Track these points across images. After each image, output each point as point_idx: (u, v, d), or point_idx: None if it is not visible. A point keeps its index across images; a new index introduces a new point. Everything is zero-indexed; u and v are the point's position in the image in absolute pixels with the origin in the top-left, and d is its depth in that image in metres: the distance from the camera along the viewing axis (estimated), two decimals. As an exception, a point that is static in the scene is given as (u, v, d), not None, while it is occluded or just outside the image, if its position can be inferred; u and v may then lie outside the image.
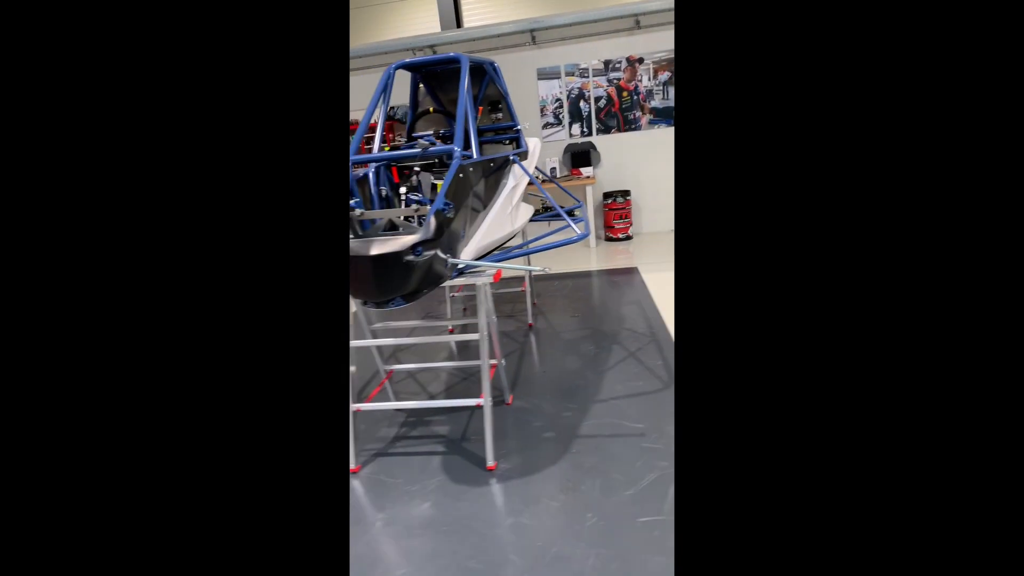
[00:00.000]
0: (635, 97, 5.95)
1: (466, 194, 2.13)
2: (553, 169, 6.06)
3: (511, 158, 2.77)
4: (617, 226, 6.00)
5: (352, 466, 2.23)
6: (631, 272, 4.80)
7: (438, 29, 7.02)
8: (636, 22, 5.69)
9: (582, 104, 6.05)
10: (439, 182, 2.36)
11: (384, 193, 2.32)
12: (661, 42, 5.80)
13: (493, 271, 2.17)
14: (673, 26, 5.77)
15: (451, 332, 3.58)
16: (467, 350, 3.43)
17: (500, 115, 3.30)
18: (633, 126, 6.03)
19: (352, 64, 6.44)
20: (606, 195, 6.01)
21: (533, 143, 3.38)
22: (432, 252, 1.82)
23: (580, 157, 5.99)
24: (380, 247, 1.73)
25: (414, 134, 3.03)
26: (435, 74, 3.12)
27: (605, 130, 6.08)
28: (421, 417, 2.64)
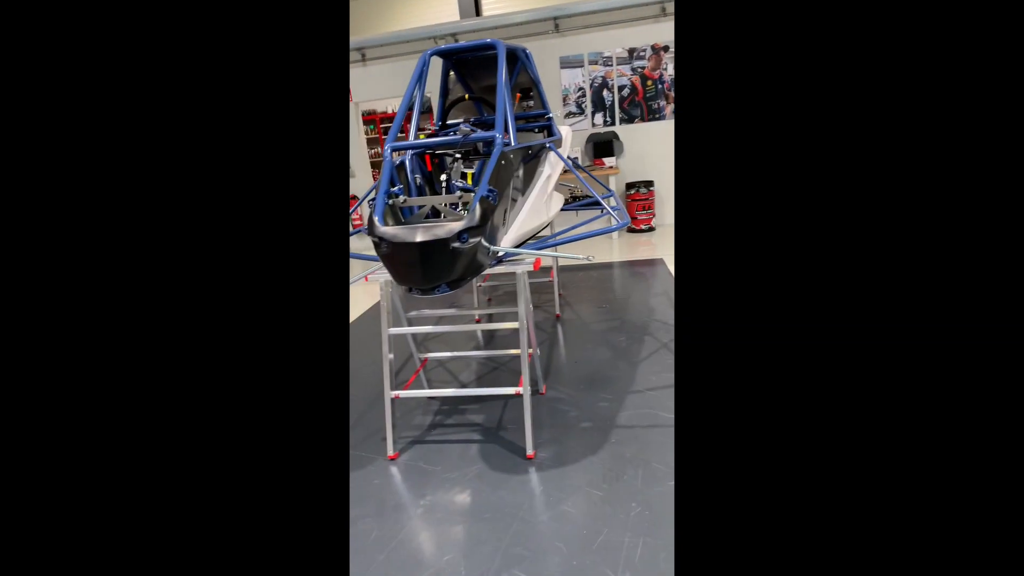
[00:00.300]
0: (659, 86, 5.86)
1: (507, 181, 2.11)
2: (575, 159, 6.01)
3: (547, 145, 2.74)
4: (640, 217, 5.95)
5: (390, 453, 2.24)
6: (656, 263, 4.76)
7: (456, 17, 6.97)
8: (662, 9, 5.60)
9: (605, 93, 5.98)
10: (469, 171, 2.35)
11: (419, 181, 2.31)
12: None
13: (532, 259, 2.15)
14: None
15: (477, 321, 3.58)
16: (494, 340, 3.42)
17: (531, 103, 3.26)
18: (657, 116, 5.95)
19: (371, 53, 6.43)
20: (629, 186, 5.95)
21: (565, 131, 3.35)
22: (477, 239, 1.80)
23: (603, 147, 5.93)
24: (426, 233, 1.72)
25: (448, 122, 3.01)
26: (465, 61, 3.10)
27: (628, 120, 6.02)
28: (455, 405, 2.65)
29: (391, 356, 2.25)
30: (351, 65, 6.42)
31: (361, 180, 7.01)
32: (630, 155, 6.09)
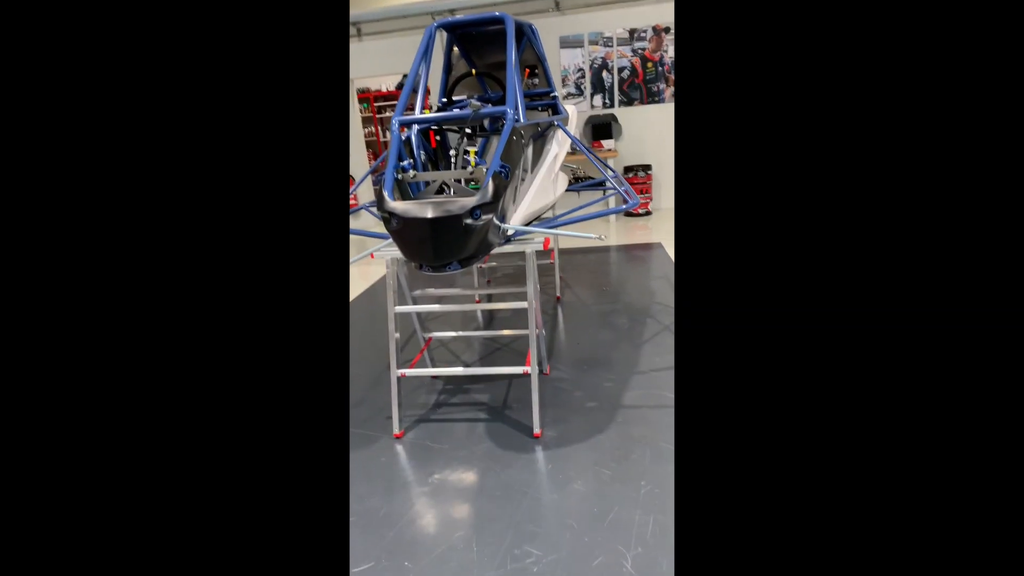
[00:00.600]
0: (660, 68, 5.81)
1: (518, 159, 2.08)
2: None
3: (556, 123, 2.70)
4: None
5: (396, 431, 2.23)
6: (654, 247, 4.76)
7: (456, -7, 6.81)
8: (664, -11, 5.52)
9: (605, 75, 5.91)
10: (472, 149, 2.31)
11: (423, 158, 2.27)
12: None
13: (541, 238, 2.13)
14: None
15: (478, 302, 3.56)
16: (493, 321, 3.41)
17: (536, 80, 3.21)
18: (656, 99, 5.90)
19: (367, 28, 6.27)
20: (627, 169, 5.92)
21: (570, 110, 3.31)
22: (490, 216, 1.78)
23: (601, 129, 5.88)
24: (439, 209, 1.69)
25: (454, 98, 2.95)
26: (470, 36, 3.03)
27: (627, 102, 5.96)
28: (460, 385, 2.64)
29: (397, 335, 2.23)
30: (345, 40, 6.26)
31: (353, 160, 6.89)
32: (628, 138, 6.05)
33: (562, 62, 5.94)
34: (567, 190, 3.22)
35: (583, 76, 5.95)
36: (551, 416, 2.27)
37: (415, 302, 2.55)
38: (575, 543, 1.60)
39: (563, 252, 4.70)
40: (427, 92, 2.43)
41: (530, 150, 2.32)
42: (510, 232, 2.00)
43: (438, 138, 2.35)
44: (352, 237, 2.11)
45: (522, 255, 4.28)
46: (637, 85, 5.90)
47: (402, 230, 1.73)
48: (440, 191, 2.09)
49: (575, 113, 3.44)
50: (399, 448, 2.17)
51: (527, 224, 2.36)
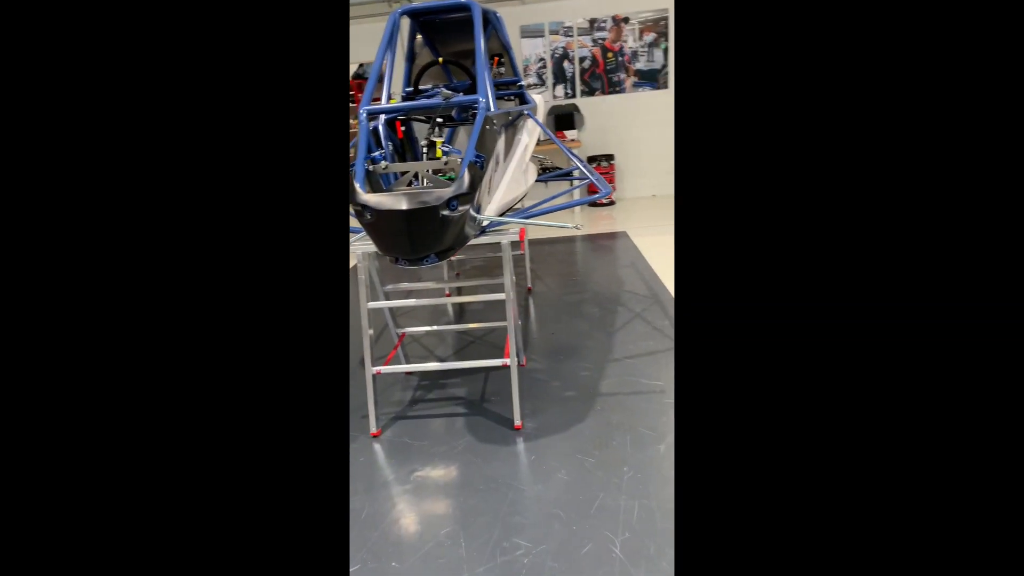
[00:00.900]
0: (620, 58, 5.86)
1: (492, 148, 2.05)
2: (537, 132, 5.95)
3: (525, 112, 2.67)
4: (601, 191, 6.00)
5: (373, 430, 2.18)
6: (620, 236, 4.82)
7: (412, -20, 6.65)
8: (623, -21, 5.56)
9: (566, 64, 5.91)
10: (438, 140, 2.26)
11: (390, 148, 2.20)
12: (648, 1, 5.69)
13: (517, 229, 2.11)
14: (661, -15, 5.67)
15: (447, 296, 3.51)
16: (465, 314, 3.38)
17: (503, 69, 3.17)
18: (617, 88, 5.96)
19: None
20: (590, 159, 5.96)
21: (538, 100, 3.29)
22: (466, 207, 1.74)
23: (564, 119, 5.89)
24: (414, 201, 1.65)
25: (420, 87, 2.88)
26: (434, 23, 2.96)
27: (589, 92, 5.99)
28: (435, 380, 2.60)
29: (371, 331, 2.17)
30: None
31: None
32: (591, 128, 6.08)
33: (523, 52, 5.90)
34: (536, 180, 3.21)
35: (544, 66, 5.93)
36: (530, 407, 2.27)
37: (387, 297, 2.49)
38: (563, 532, 1.60)
39: (532, 243, 4.70)
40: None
41: (502, 140, 2.29)
42: (485, 223, 1.97)
43: (404, 128, 2.29)
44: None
45: (490, 247, 4.26)
46: (598, 75, 5.93)
47: (376, 223, 1.68)
48: (410, 183, 2.04)
49: (543, 103, 3.43)
50: (377, 447, 2.12)
51: (501, 215, 2.34)
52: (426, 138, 2.19)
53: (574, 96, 6.01)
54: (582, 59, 5.88)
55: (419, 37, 2.99)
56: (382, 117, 2.16)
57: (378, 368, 2.20)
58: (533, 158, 3.42)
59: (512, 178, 2.39)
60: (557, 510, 1.70)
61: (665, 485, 1.76)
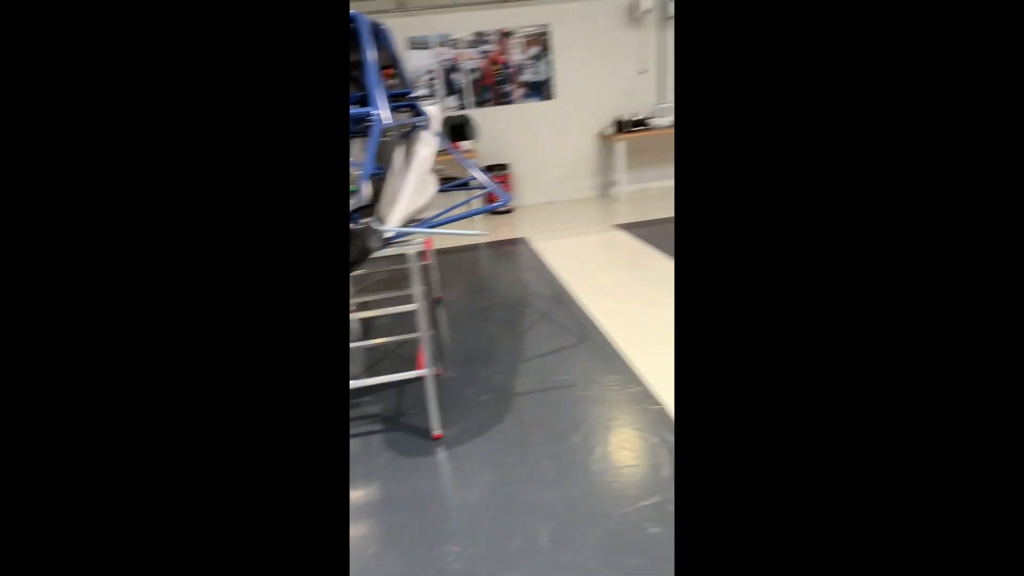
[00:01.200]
0: (507, 71, 6.05)
1: (390, 159, 2.04)
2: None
3: (419, 124, 2.69)
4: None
5: (283, 459, 2.06)
6: (519, 242, 4.97)
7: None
8: (504, -5, 5.76)
9: (457, 76, 6.00)
10: None
11: None
12: (530, 16, 5.95)
13: (422, 239, 2.12)
14: (543, 1, 5.95)
15: (352, 312, 3.40)
16: (373, 329, 3.30)
17: (395, 81, 3.16)
18: (507, 99, 6.15)
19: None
20: (487, 168, 6.09)
21: (434, 111, 3.31)
22: (368, 219, 1.73)
23: (457, 130, 5.96)
24: None
25: None
26: None
27: (480, 103, 6.12)
28: (349, 400, 2.51)
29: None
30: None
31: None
32: (485, 138, 6.22)
33: (412, 63, 5.89)
34: (440, 190, 3.23)
35: (434, 77, 5.97)
36: (448, 416, 2.28)
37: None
38: (491, 532, 1.63)
39: (438, 252, 4.69)
40: None
41: (400, 151, 2.29)
42: (389, 235, 1.96)
43: None
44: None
45: (394, 259, 4.17)
46: (488, 87, 6.08)
47: None
48: None
49: (439, 113, 3.46)
50: (289, 476, 2.01)
51: (405, 226, 2.33)
52: None
53: (465, 107, 6.11)
54: (471, 71, 6.00)
55: None
56: None
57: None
58: (433, 169, 3.43)
59: (414, 189, 2.39)
60: (483, 512, 1.72)
61: (583, 472, 1.85)
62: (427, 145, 2.76)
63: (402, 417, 2.33)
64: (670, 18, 6.24)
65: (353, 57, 2.93)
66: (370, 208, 1.72)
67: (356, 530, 1.71)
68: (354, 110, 2.04)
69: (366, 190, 1.70)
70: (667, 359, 2.57)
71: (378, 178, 1.80)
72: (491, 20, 5.89)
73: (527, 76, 6.15)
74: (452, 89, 6.03)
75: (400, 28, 5.77)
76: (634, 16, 6.19)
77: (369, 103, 2.02)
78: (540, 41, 6.09)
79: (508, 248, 4.83)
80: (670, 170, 6.89)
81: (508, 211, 6.21)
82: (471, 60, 5.96)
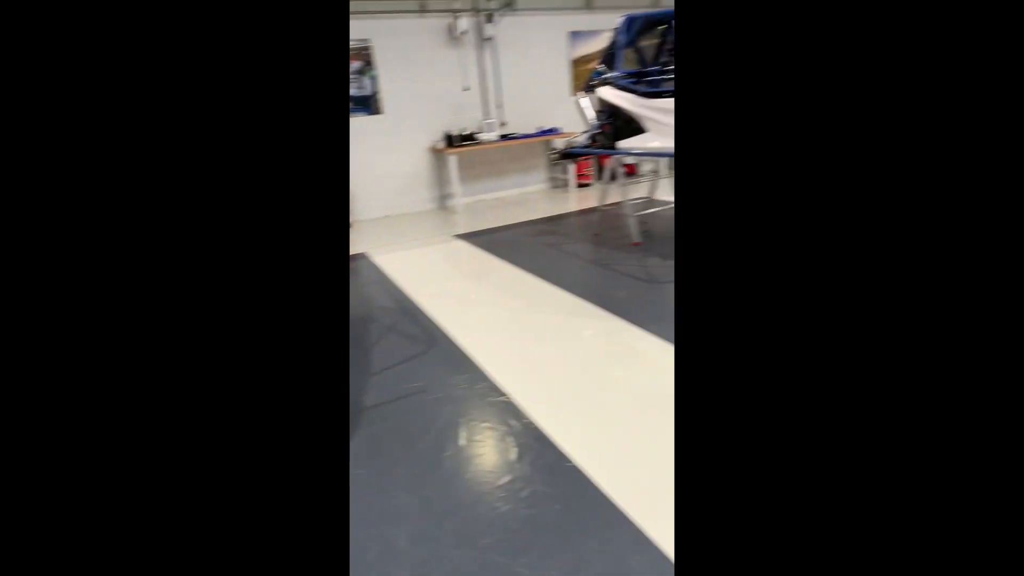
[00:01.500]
0: (331, 84, 5.88)
1: None
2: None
3: None
4: (334, 215, 5.92)
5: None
6: (360, 257, 4.86)
7: None
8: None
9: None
10: None
11: None
12: (352, 31, 5.87)
13: None
14: (362, 16, 5.92)
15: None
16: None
17: None
18: (333, 114, 5.97)
19: None
20: (317, 185, 5.83)
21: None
22: None
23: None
24: None
25: None
26: None
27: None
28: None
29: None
30: None
31: None
32: (312, 154, 5.95)
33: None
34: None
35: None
36: (293, 442, 2.16)
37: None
38: (352, 539, 1.60)
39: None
40: None
41: None
42: None
43: None
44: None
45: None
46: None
47: None
48: None
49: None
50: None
51: None
52: None
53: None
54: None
55: None
56: None
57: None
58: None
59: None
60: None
61: (437, 471, 1.91)
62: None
63: (239, 452, 2.14)
64: (487, 39, 6.65)
65: None
66: None
67: None
68: None
69: None
70: (512, 355, 2.76)
71: None
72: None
73: (353, 91, 6.05)
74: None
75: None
76: (453, 36, 6.47)
77: None
78: (362, 56, 6.04)
79: (351, 264, 4.69)
80: (503, 181, 7.31)
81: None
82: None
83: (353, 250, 5.13)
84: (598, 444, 1.97)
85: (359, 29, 5.92)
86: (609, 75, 4.21)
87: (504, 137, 6.82)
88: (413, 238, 5.45)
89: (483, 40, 6.66)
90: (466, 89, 6.75)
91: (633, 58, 4.44)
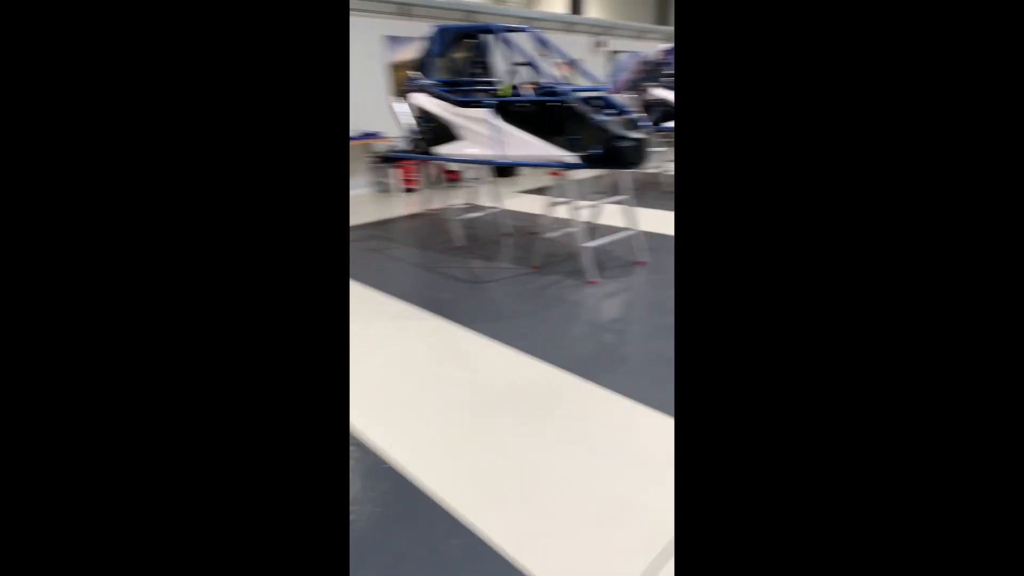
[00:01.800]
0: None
1: None
2: None
3: None
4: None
5: None
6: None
7: None
8: None
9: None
10: None
11: None
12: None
13: None
14: None
15: None
16: None
17: None
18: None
19: None
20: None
21: None
22: None
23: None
24: None
25: None
26: None
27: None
28: None
29: None
30: None
31: None
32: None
33: None
34: None
35: None
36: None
37: None
38: None
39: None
40: None
41: None
42: None
43: None
44: None
45: None
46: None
47: None
48: None
49: None
50: None
51: None
52: None
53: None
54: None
55: None
56: None
57: None
58: None
59: None
60: None
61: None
62: None
63: None
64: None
65: None
66: None
67: None
68: None
69: None
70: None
71: None
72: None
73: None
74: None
75: None
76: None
77: None
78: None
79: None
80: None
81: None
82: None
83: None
84: (418, 443, 1.99)
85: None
86: (424, 82, 4.27)
87: (322, 139, 6.44)
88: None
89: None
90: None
91: (447, 67, 4.58)
